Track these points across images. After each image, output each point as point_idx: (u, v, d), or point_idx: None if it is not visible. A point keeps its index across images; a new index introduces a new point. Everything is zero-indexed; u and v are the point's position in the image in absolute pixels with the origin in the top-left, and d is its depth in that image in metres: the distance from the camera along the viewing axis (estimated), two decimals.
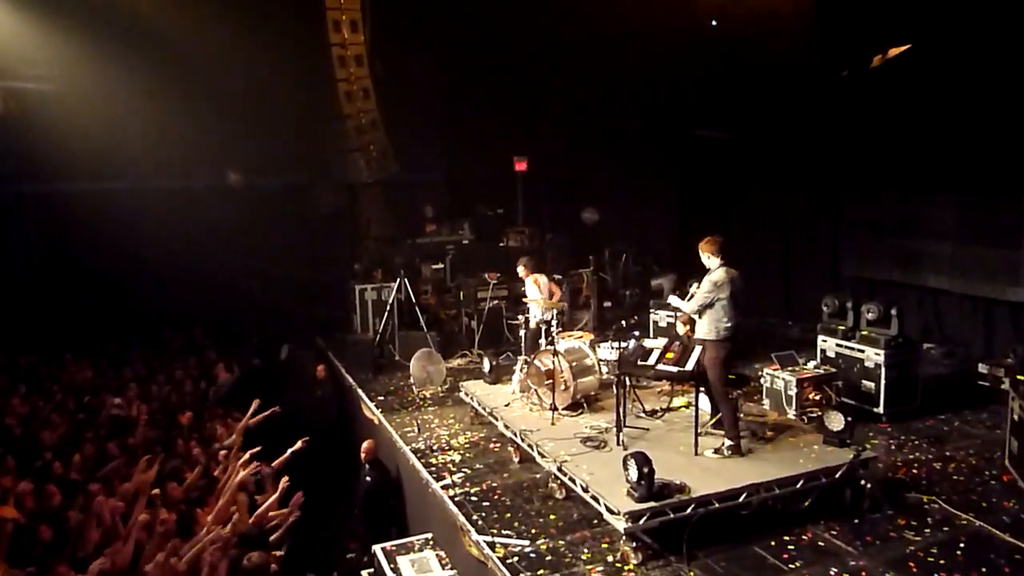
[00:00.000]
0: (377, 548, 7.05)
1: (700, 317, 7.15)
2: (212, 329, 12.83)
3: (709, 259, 7.19)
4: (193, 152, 13.72)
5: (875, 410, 8.76)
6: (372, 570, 7.05)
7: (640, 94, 13.30)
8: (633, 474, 6.15)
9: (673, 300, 7.52)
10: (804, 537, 6.31)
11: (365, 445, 8.80)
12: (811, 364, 9.16)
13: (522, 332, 9.71)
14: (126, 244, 13.66)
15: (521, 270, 10.27)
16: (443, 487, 7.51)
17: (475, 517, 6.90)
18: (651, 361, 7.59)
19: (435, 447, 8.57)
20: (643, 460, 6.15)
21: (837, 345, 9.31)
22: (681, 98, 13.06)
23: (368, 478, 8.58)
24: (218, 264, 13.38)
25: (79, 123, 12.82)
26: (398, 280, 12.35)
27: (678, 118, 13.17)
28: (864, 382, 8.91)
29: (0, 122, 12.41)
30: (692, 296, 7.20)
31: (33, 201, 13.20)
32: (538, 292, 10.09)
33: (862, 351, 8.95)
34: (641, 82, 13.15)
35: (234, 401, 10.29)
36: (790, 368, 8.95)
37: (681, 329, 7.80)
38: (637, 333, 9.06)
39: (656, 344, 8.01)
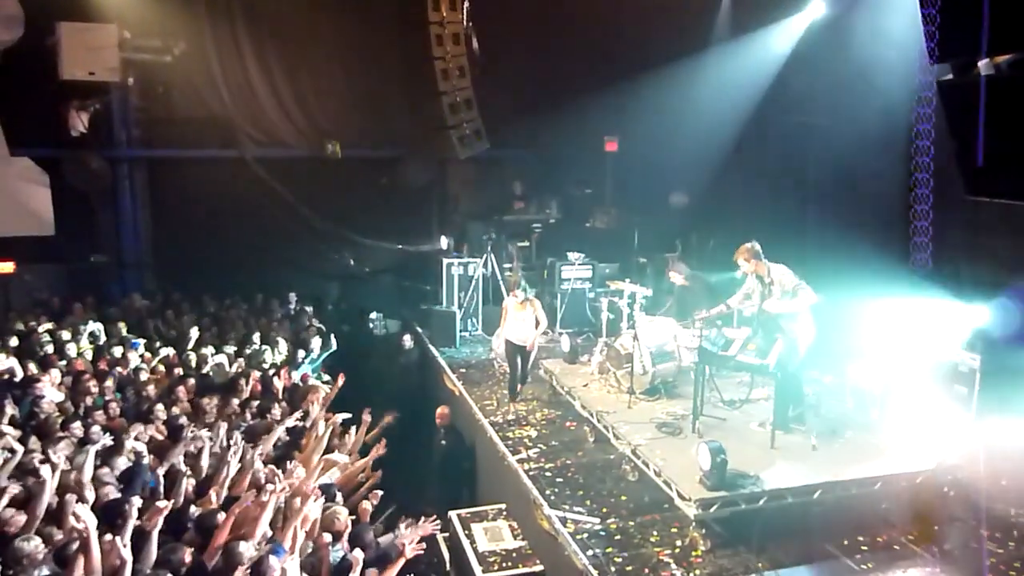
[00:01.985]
0: (453, 514, 7.33)
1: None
2: (305, 295, 13.38)
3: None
4: (296, 123, 14.27)
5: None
6: (447, 534, 7.34)
7: (738, 75, 12.99)
8: (706, 462, 6.19)
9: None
10: (879, 539, 6.25)
11: (440, 410, 9.15)
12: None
13: (604, 314, 9.79)
14: (229, 210, 14.39)
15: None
16: (519, 461, 7.73)
17: (548, 492, 7.10)
18: (732, 351, 7.57)
19: (513, 422, 8.79)
20: (717, 449, 6.18)
21: None
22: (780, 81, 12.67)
23: (444, 442, 8.91)
24: (314, 232, 13.91)
25: (192, 94, 13.52)
26: (484, 256, 12.58)
27: (773, 101, 12.81)
28: (956, 386, 8.59)
29: (120, 91, 13.18)
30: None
31: (145, 166, 14.00)
32: None
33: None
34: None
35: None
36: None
37: (772, 307, 7.68)
38: (720, 321, 9.00)
39: (738, 333, 7.96)
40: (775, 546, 6.09)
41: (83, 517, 4.50)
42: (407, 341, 11.71)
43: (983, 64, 3.96)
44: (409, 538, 5.35)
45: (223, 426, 7.35)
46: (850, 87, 11.94)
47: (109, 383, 8.59)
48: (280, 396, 8.93)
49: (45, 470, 5.40)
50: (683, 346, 8.81)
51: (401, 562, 5.23)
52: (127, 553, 4.48)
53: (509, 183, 15.64)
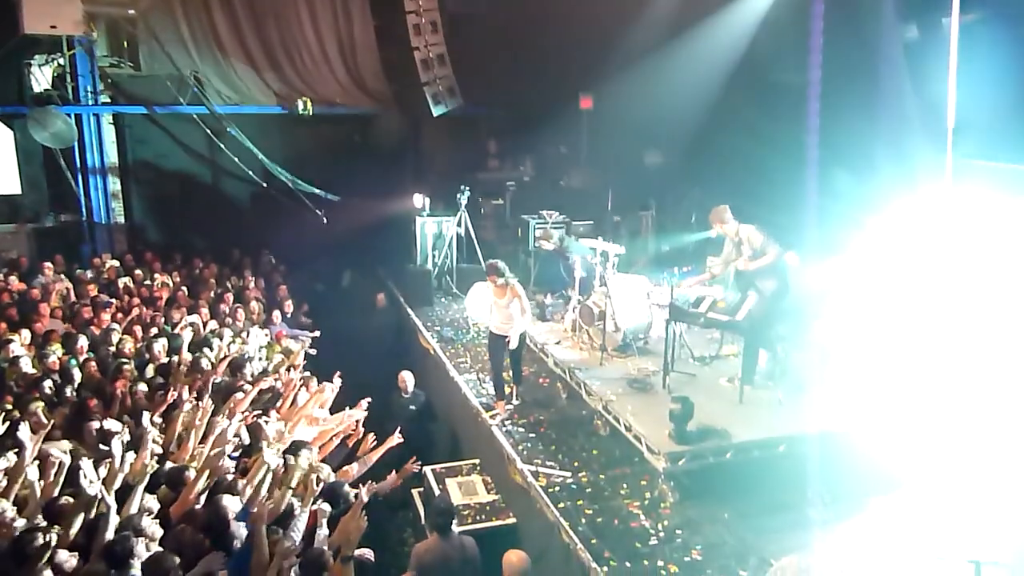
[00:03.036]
0: (427, 469, 7.44)
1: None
2: (279, 253, 13.30)
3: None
4: (266, 79, 14.06)
5: None
6: (421, 489, 7.46)
7: (713, 35, 12.92)
8: (675, 417, 6.33)
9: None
10: (841, 490, 6.42)
11: (401, 376, 8.89)
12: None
13: (576, 272, 9.84)
14: (201, 168, 14.21)
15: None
16: (491, 416, 7.84)
17: (521, 447, 7.23)
18: (702, 308, 7.68)
19: (487, 379, 8.88)
20: (685, 404, 6.32)
21: None
22: (760, 40, 12.61)
23: (412, 407, 8.69)
24: (288, 190, 13.77)
25: (158, 48, 13.21)
26: (458, 214, 12.56)
27: (752, 61, 12.77)
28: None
29: (85, 46, 12.85)
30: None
31: (113, 123, 13.72)
32: None
33: None
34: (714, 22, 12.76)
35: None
36: None
37: (742, 265, 7.85)
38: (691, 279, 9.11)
39: (709, 292, 8.08)
40: (741, 498, 6.26)
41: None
42: (381, 300, 11.75)
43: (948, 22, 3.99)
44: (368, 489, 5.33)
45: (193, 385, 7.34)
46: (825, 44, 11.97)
47: (82, 343, 8.53)
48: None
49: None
50: (655, 303, 8.93)
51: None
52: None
53: (483, 141, 15.54)
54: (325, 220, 13.80)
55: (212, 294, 11.13)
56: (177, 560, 4.35)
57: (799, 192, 10.67)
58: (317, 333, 9.38)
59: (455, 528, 5.89)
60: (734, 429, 6.60)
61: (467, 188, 12.81)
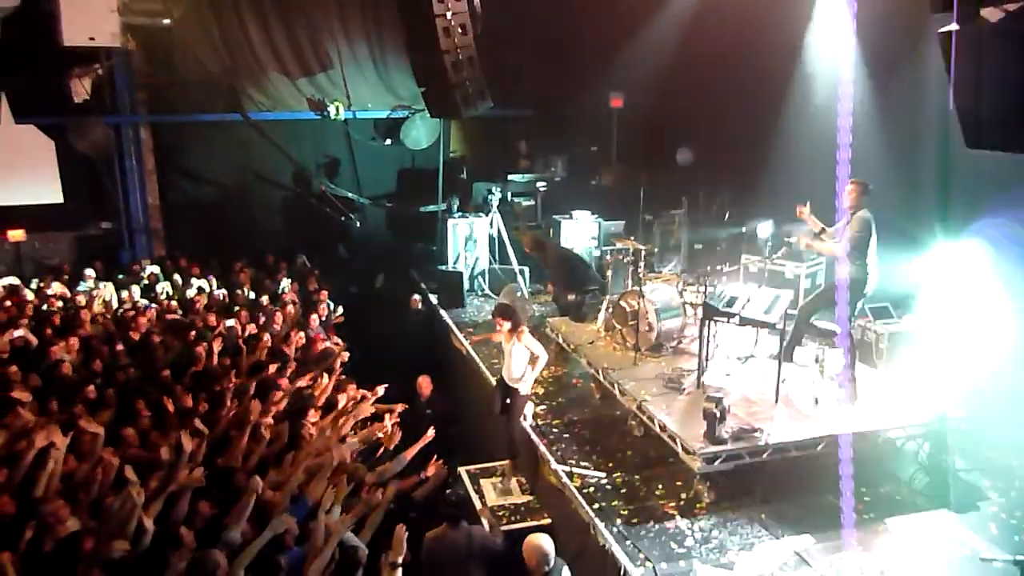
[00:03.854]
0: (462, 470, 7.47)
1: (853, 262, 7.00)
2: (313, 256, 13.46)
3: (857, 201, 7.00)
4: (297, 84, 14.23)
5: None
6: (450, 491, 7.45)
7: (743, 32, 12.79)
8: (710, 416, 6.27)
9: (823, 245, 7.36)
10: (882, 490, 6.33)
11: (420, 381, 8.77)
12: (907, 319, 8.90)
13: (609, 272, 9.81)
14: (236, 174, 14.45)
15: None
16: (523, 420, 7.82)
17: (555, 448, 7.22)
18: (737, 307, 7.59)
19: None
20: (720, 404, 6.25)
21: None
22: (785, 37, 12.46)
23: (428, 411, 8.58)
24: (321, 194, 13.93)
25: (193, 57, 13.43)
26: (490, 215, 12.59)
27: (783, 56, 12.61)
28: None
29: (122, 56, 13.13)
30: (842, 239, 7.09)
31: (150, 131, 13.99)
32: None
33: None
34: (744, 19, 12.62)
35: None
36: (883, 321, 8.72)
37: (803, 244, 7.64)
38: (725, 277, 9.03)
39: (743, 290, 7.98)
40: (778, 498, 6.19)
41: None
42: (416, 303, 11.80)
43: (987, 12, 3.90)
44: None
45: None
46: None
47: (121, 348, 8.72)
48: (292, 357, 9.03)
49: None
50: (688, 303, 8.84)
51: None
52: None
53: (514, 142, 15.57)
54: (358, 223, 13.92)
55: (249, 298, 11.31)
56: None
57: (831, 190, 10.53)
58: (347, 356, 9.41)
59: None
60: (770, 429, 6.51)
61: (498, 189, 12.84)
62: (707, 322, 7.67)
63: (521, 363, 7.24)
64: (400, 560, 4.69)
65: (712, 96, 12.99)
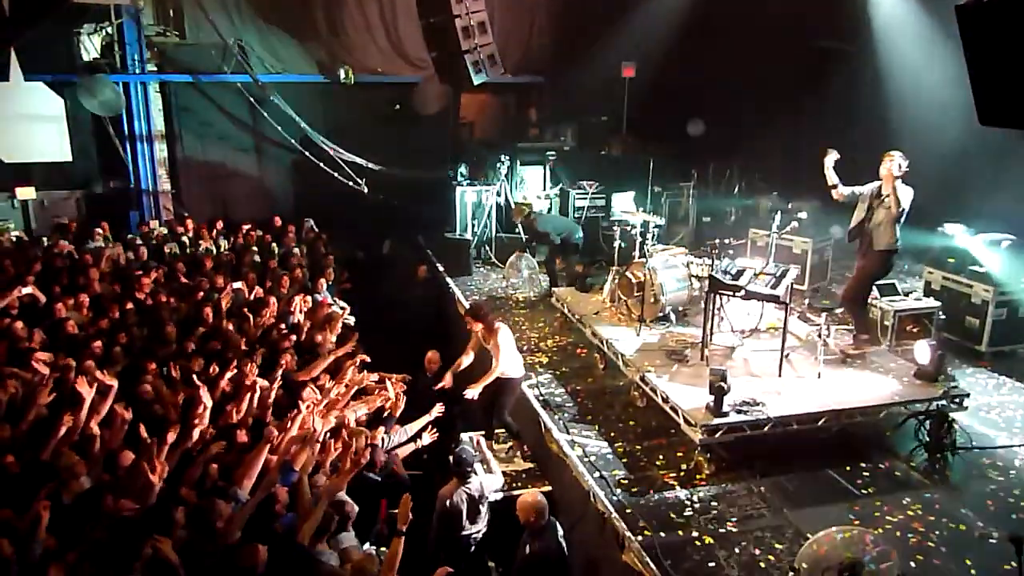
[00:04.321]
0: (465, 436, 7.53)
1: (896, 232, 7.44)
2: (321, 221, 13.44)
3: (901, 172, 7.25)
4: (310, 49, 14.15)
5: (977, 348, 8.50)
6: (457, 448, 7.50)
7: (758, 2, 12.61)
8: (716, 390, 6.29)
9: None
10: (881, 466, 6.38)
11: (430, 355, 8.50)
12: (912, 296, 8.89)
13: (616, 242, 9.79)
14: (244, 136, 14.38)
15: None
16: (529, 386, 7.88)
17: (557, 416, 7.27)
18: (743, 280, 7.58)
19: (524, 348, 8.92)
20: (725, 377, 6.27)
21: (944, 278, 8.98)
22: (802, 6, 12.27)
23: (434, 387, 8.58)
24: (329, 158, 13.86)
25: (203, 17, 13.30)
26: (498, 183, 12.54)
27: (796, 27, 12.43)
28: (968, 318, 8.62)
29: (132, 15, 13.03)
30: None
31: (159, 91, 13.93)
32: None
33: (970, 286, 8.63)
34: None
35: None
36: (890, 298, 8.71)
37: (835, 195, 7.73)
38: (732, 251, 9.01)
39: (750, 264, 7.97)
40: (778, 471, 6.23)
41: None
42: (423, 271, 11.73)
43: None
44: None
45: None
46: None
47: (130, 306, 8.77)
48: (298, 322, 9.07)
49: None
50: (694, 275, 8.83)
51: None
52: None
53: (524, 110, 15.45)
54: (366, 189, 13.88)
55: (256, 260, 11.33)
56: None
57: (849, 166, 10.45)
58: (352, 319, 9.40)
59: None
60: (772, 402, 6.54)
61: (507, 157, 12.77)
62: (712, 295, 7.68)
63: (510, 354, 7.15)
64: (404, 527, 4.77)
65: (725, 68, 12.86)
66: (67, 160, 12.92)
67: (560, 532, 5.62)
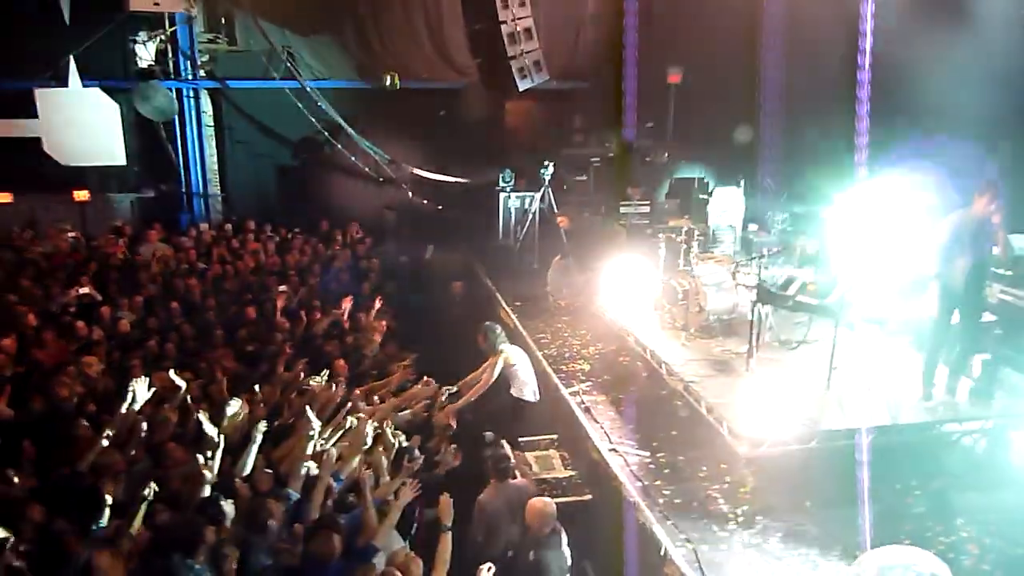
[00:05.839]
0: (505, 444, 7.50)
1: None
2: (366, 225, 13.58)
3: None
4: (354, 55, 14.32)
5: None
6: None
7: (808, 8, 12.38)
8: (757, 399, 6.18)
9: None
10: (933, 485, 6.16)
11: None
12: None
13: (661, 249, 9.69)
14: (293, 141, 14.62)
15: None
16: (571, 393, 7.83)
17: (599, 425, 7.20)
18: (791, 291, 7.44)
19: (567, 355, 8.87)
20: (769, 388, 6.16)
21: (1001, 292, 8.67)
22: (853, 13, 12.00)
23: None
24: (374, 163, 14.02)
25: (254, 24, 13.57)
26: (541, 190, 12.52)
27: (850, 31, 12.17)
28: None
29: (186, 22, 13.37)
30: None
31: (210, 97, 14.25)
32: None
33: None
34: None
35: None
36: None
37: None
38: (781, 259, 8.85)
39: (799, 274, 7.82)
40: (826, 487, 6.06)
41: None
42: (458, 288, 11.50)
43: None
44: None
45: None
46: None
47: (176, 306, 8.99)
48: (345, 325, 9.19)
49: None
50: (741, 284, 8.69)
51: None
52: None
53: (569, 116, 15.40)
54: (411, 194, 13.99)
55: (302, 264, 11.49)
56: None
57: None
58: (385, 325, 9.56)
59: None
60: (820, 416, 6.40)
61: (551, 163, 12.74)
62: (759, 304, 7.55)
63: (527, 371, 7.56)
64: (450, 523, 4.79)
65: (774, 74, 12.67)
66: (121, 164, 13.29)
67: (565, 541, 5.51)
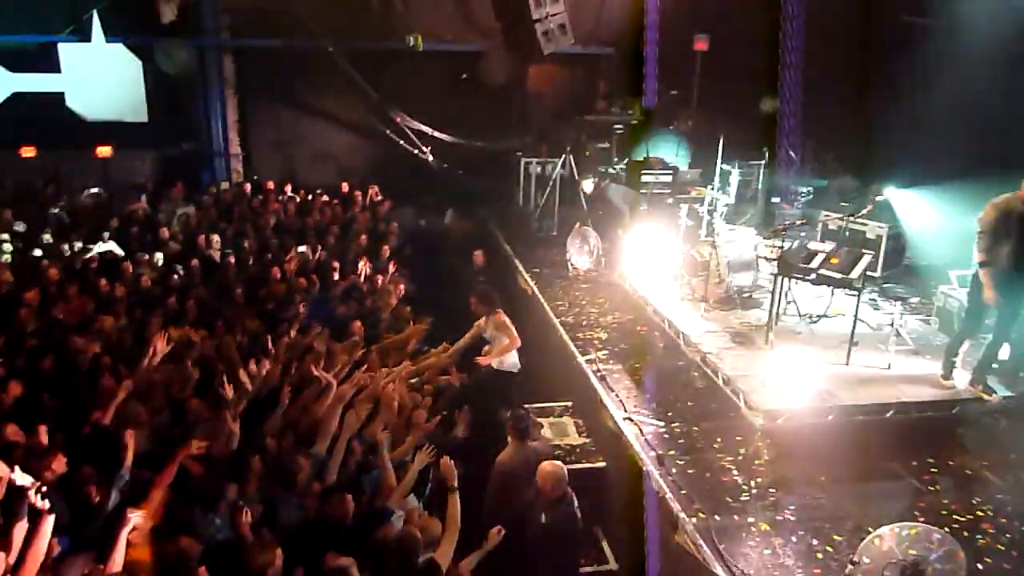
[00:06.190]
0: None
1: None
2: (386, 189, 13.56)
3: None
4: (377, 15, 14.15)
5: None
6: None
7: None
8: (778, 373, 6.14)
9: None
10: (951, 463, 6.13)
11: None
12: None
13: (682, 219, 9.61)
14: (314, 102, 14.54)
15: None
16: (587, 361, 7.83)
17: (614, 393, 7.20)
18: (814, 264, 7.36)
19: (584, 323, 8.85)
20: (790, 361, 6.12)
21: None
22: None
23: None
24: (395, 126, 13.93)
25: None
26: (563, 156, 12.40)
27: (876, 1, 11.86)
28: None
29: None
30: None
31: (232, 55, 14.19)
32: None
33: None
34: None
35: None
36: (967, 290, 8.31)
37: None
38: (804, 233, 8.74)
39: (822, 247, 7.71)
40: (841, 462, 6.04)
41: None
42: (479, 258, 11.26)
43: None
44: None
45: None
46: None
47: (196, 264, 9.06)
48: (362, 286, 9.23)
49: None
50: (762, 257, 8.61)
51: None
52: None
53: (593, 82, 15.20)
54: (430, 157, 13.91)
55: (321, 225, 11.52)
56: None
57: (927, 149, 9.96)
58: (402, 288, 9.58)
59: None
60: (838, 391, 6.36)
61: (574, 130, 12.61)
62: (780, 278, 7.47)
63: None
64: (455, 484, 4.82)
65: (803, 43, 12.38)
66: (144, 121, 13.30)
67: (575, 504, 5.53)
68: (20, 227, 10.14)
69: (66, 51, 12.68)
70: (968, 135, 10.16)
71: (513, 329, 7.44)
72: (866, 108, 12.46)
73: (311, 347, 7.00)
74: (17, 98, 12.70)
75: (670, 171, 12.08)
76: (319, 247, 10.40)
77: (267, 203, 12.27)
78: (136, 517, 3.89)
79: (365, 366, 6.79)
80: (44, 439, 4.76)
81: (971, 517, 5.43)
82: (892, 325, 7.03)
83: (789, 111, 13.21)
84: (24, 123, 12.66)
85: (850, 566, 4.30)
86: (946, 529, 5.00)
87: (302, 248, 10.18)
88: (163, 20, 13.27)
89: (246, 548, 4.05)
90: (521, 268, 10.81)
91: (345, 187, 13.32)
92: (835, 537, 5.21)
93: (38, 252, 9.45)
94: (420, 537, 4.47)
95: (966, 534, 5.20)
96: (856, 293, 7.13)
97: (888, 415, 6.27)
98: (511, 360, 7.60)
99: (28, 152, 12.88)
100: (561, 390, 8.39)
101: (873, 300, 8.91)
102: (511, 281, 11.01)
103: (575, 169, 12.43)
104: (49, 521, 3.60)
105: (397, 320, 8.77)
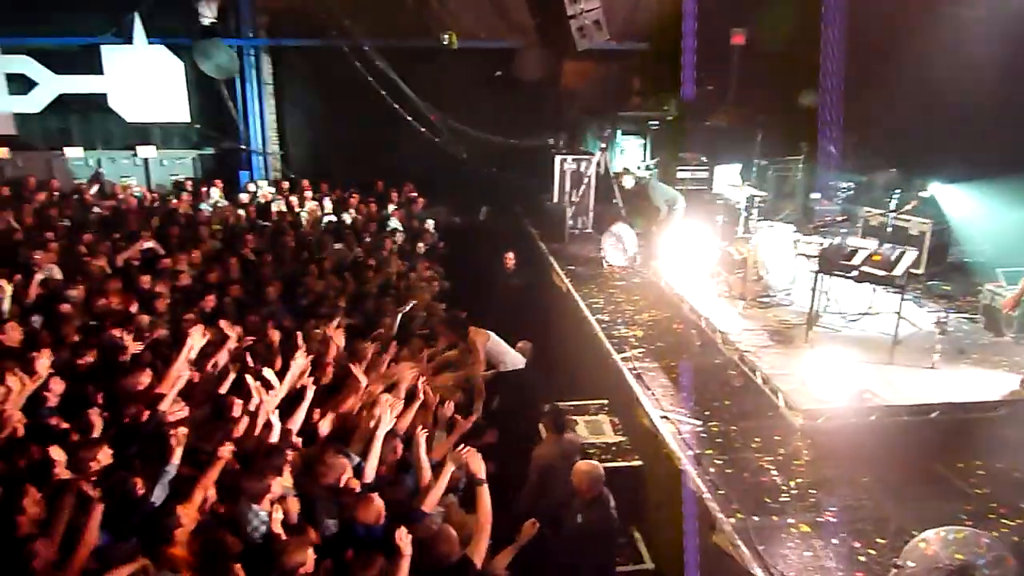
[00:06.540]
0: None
1: None
2: (421, 187, 13.63)
3: None
4: (412, 13, 14.21)
5: None
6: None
7: None
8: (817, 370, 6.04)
9: None
10: (999, 465, 5.96)
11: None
12: None
13: (718, 217, 9.50)
14: (351, 100, 14.64)
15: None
16: (623, 359, 7.77)
17: (650, 391, 7.13)
18: (855, 262, 7.21)
19: (619, 320, 8.79)
20: (830, 358, 6.01)
21: None
22: None
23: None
24: (429, 123, 13.97)
25: None
26: (597, 152, 12.33)
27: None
28: None
29: None
30: None
31: (270, 55, 14.37)
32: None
33: None
34: None
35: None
36: (1014, 286, 8.08)
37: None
38: (844, 230, 8.58)
39: (863, 244, 7.56)
40: (884, 463, 5.90)
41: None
42: (510, 261, 11.03)
43: None
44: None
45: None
46: None
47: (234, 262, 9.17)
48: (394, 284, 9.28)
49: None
50: (801, 254, 8.46)
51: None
52: None
53: (627, 78, 15.09)
54: (465, 155, 13.94)
55: (358, 223, 11.61)
56: None
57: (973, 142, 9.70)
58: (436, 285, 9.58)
59: None
60: (881, 391, 6.22)
61: (608, 126, 12.52)
62: (820, 275, 7.34)
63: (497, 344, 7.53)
64: (483, 476, 4.82)
65: (842, 36, 12.13)
66: (185, 121, 13.53)
67: (612, 504, 5.48)
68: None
69: (109, 53, 12.96)
70: (1016, 128, 9.88)
71: (482, 352, 7.37)
72: (909, 101, 12.19)
73: (343, 343, 7.02)
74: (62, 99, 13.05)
75: (706, 167, 11.97)
76: (356, 245, 10.47)
77: (304, 201, 12.41)
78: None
79: (399, 363, 6.82)
80: (97, 423, 4.85)
81: (1021, 521, 5.28)
82: (936, 323, 6.86)
83: (829, 104, 12.97)
84: (69, 124, 13.01)
85: (893, 570, 4.21)
86: (995, 533, 4.89)
87: (338, 245, 10.26)
88: (202, 21, 13.52)
89: (280, 546, 4.07)
90: (556, 265, 10.78)
91: (380, 185, 13.39)
92: (878, 540, 5.10)
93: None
94: (455, 536, 4.47)
95: (1016, 539, 5.05)
96: (899, 291, 6.97)
97: (933, 415, 6.12)
98: (512, 359, 7.60)
99: (74, 153, 13.23)
100: (597, 388, 8.35)
101: (917, 298, 8.70)
102: (546, 278, 10.99)
103: (609, 165, 12.36)
104: (99, 510, 3.66)
105: (431, 317, 8.80)
